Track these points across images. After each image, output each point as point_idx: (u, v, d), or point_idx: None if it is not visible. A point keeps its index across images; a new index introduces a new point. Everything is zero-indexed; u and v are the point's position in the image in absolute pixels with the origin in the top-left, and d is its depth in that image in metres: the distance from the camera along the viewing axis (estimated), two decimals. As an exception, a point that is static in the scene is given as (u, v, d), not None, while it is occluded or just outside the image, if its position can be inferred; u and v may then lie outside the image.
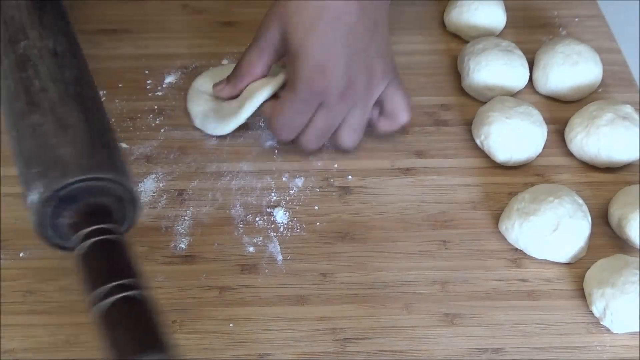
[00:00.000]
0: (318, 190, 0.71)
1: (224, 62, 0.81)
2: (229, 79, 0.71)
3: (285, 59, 0.67)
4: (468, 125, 0.76)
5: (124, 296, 0.51)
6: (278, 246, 0.66)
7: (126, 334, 0.50)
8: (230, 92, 0.71)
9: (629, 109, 0.73)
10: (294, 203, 0.69)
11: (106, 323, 0.51)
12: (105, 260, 0.53)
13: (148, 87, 0.78)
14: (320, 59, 0.64)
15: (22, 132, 0.59)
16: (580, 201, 0.67)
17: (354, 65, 0.65)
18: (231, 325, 0.61)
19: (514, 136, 0.71)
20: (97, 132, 0.59)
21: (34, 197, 0.55)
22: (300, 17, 0.64)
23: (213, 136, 0.74)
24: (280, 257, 0.66)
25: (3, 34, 0.65)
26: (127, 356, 0.49)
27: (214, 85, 0.73)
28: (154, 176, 0.71)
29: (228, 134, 0.73)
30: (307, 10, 0.64)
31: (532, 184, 0.70)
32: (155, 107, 0.76)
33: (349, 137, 0.70)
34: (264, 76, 0.70)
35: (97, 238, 0.54)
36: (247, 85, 0.70)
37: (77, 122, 0.60)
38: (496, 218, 0.69)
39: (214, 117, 0.73)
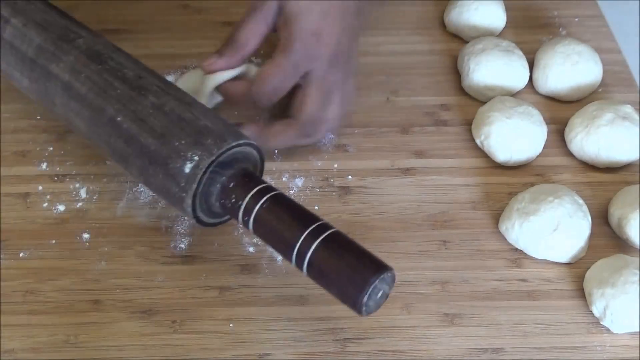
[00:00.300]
0: (318, 190, 0.71)
1: None
2: (221, 51, 0.69)
3: (278, 25, 0.68)
4: (468, 125, 0.76)
5: (330, 233, 0.53)
6: (278, 246, 0.66)
7: (355, 263, 0.52)
8: (224, 64, 0.69)
9: (629, 109, 0.73)
10: (294, 203, 0.69)
11: (328, 261, 0.53)
12: (291, 211, 0.56)
13: (148, 87, 0.78)
14: (317, 25, 0.66)
15: (141, 113, 0.60)
16: (580, 201, 0.67)
17: (343, 39, 0.68)
18: (231, 325, 0.61)
19: (514, 136, 0.71)
20: (207, 108, 0.62)
21: (187, 165, 0.56)
22: None
23: (213, 136, 0.74)
24: (280, 257, 0.65)
25: (46, 34, 0.65)
26: (370, 279, 0.51)
27: (204, 61, 0.70)
28: (154, 176, 0.71)
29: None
30: None
31: (532, 184, 0.70)
32: (155, 107, 0.76)
33: (333, 111, 0.69)
34: (257, 48, 0.69)
35: (271, 193, 0.56)
36: (243, 58, 0.69)
37: (193, 100, 0.62)
38: (496, 218, 0.69)
39: None
